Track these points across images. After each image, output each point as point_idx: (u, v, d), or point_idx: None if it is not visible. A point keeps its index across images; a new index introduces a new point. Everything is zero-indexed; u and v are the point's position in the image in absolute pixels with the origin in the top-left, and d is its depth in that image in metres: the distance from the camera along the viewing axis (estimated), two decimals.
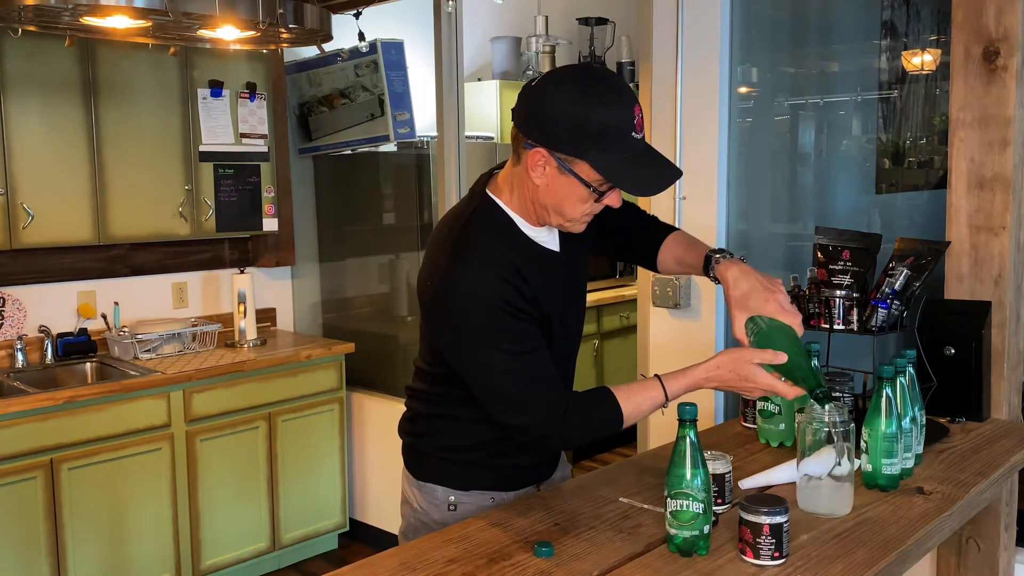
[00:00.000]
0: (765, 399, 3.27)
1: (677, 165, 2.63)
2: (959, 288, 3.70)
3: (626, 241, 3.20)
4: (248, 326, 6.42)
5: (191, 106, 6.15)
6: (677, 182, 4.19)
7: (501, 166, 2.82)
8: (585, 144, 2.47)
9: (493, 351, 2.60)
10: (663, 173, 2.57)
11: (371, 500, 6.83)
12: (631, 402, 2.64)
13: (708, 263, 2.96)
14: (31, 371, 5.75)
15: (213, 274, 6.81)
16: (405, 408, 3.09)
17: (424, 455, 3.04)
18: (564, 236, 2.85)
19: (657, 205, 4.84)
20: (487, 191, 2.79)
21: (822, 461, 2.65)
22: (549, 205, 2.63)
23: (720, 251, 2.97)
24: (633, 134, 2.49)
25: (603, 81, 2.52)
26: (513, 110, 2.62)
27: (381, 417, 6.68)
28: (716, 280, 2.93)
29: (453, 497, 2.98)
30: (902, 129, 4.83)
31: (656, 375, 2.66)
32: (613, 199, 2.61)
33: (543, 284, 2.73)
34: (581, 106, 2.45)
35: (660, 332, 4.95)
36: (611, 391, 2.65)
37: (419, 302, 2.80)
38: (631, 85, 6.58)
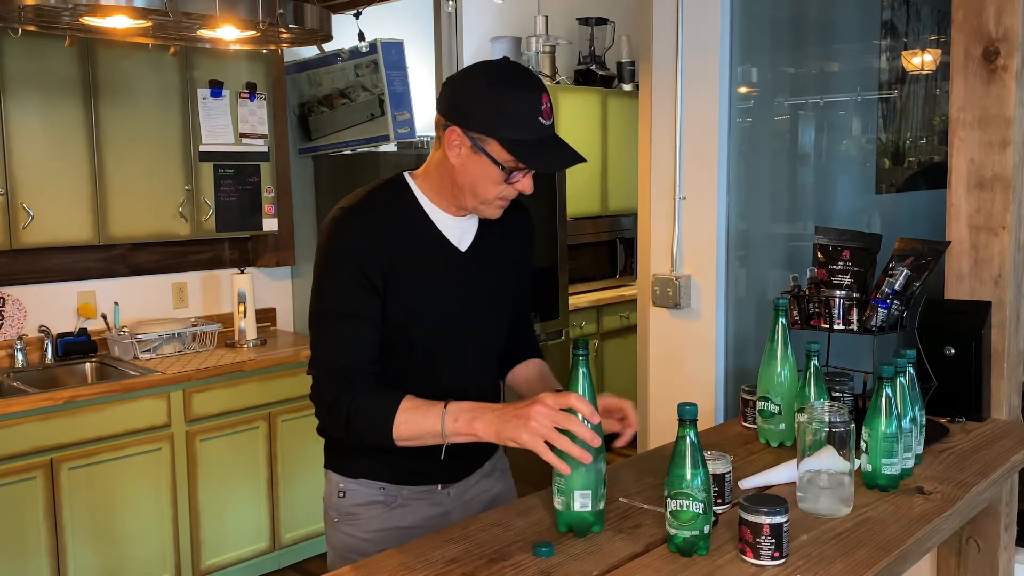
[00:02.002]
0: (765, 399, 3.27)
1: (581, 155, 2.68)
2: (959, 288, 3.70)
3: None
4: (248, 326, 6.42)
5: (191, 106, 6.15)
6: (677, 182, 4.23)
7: None
8: (495, 124, 2.62)
9: (319, 300, 2.77)
10: (565, 156, 2.69)
11: None
12: (409, 421, 2.63)
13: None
14: (31, 371, 5.76)
15: (213, 274, 6.81)
16: None
17: (327, 441, 3.12)
18: (480, 245, 2.94)
19: (657, 205, 4.84)
20: (403, 173, 2.95)
21: (822, 461, 2.65)
22: (465, 185, 2.74)
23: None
24: (540, 119, 2.63)
25: (514, 70, 2.70)
26: (437, 98, 2.80)
27: None
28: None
29: (342, 484, 3.04)
30: (902, 129, 4.84)
31: (446, 403, 2.63)
32: (524, 185, 2.73)
33: (422, 267, 2.81)
34: (492, 90, 2.63)
35: (660, 332, 4.96)
36: (400, 401, 2.66)
37: None
38: (631, 85, 6.59)
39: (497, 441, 2.51)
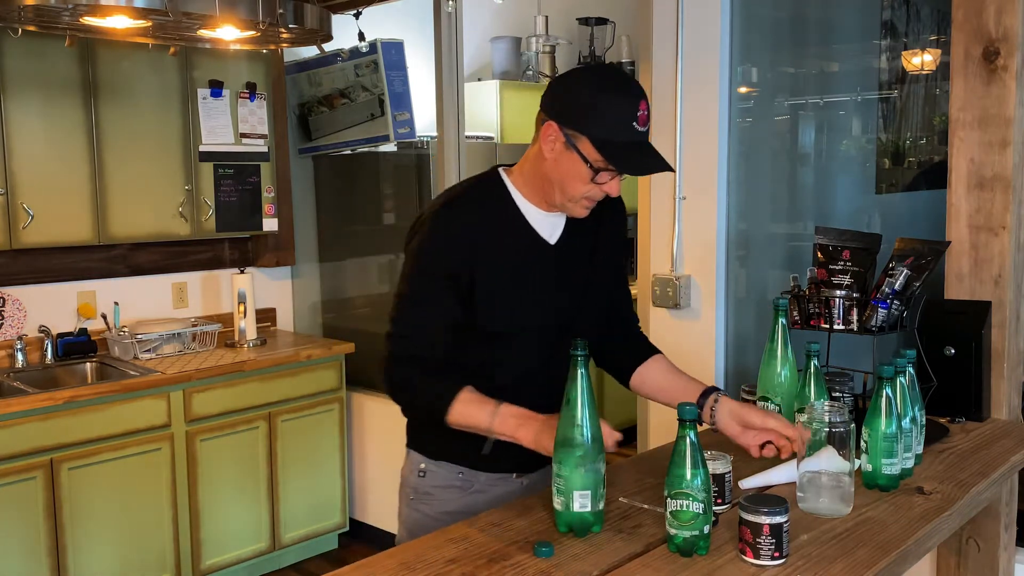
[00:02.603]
0: (764, 399, 3.26)
1: (671, 164, 2.73)
2: (959, 288, 3.70)
3: (606, 337, 3.25)
4: (248, 326, 6.43)
5: (191, 106, 6.15)
6: (677, 182, 4.22)
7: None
8: (589, 122, 2.69)
9: (406, 285, 2.93)
10: (654, 163, 2.75)
11: (371, 500, 6.83)
12: (464, 410, 2.82)
13: (702, 404, 3.09)
14: (31, 371, 5.75)
15: (213, 274, 6.81)
16: None
17: (410, 421, 3.20)
18: (568, 239, 3.00)
19: (657, 205, 4.84)
20: (498, 168, 3.02)
21: (822, 461, 2.65)
22: (555, 180, 2.81)
23: (715, 389, 3.10)
24: (635, 124, 2.69)
25: (617, 75, 2.80)
26: (542, 95, 2.84)
27: (381, 417, 6.68)
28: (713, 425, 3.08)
29: (424, 464, 3.12)
30: (902, 129, 4.83)
31: (498, 403, 2.80)
32: (611, 187, 2.79)
33: (513, 261, 2.91)
34: (592, 90, 2.71)
35: (660, 332, 4.95)
36: (462, 391, 2.83)
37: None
38: None
39: (534, 448, 2.69)
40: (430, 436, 3.11)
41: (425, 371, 2.87)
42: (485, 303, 2.87)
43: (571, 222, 3.00)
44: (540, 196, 2.91)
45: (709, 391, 3.05)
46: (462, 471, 3.07)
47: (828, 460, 2.64)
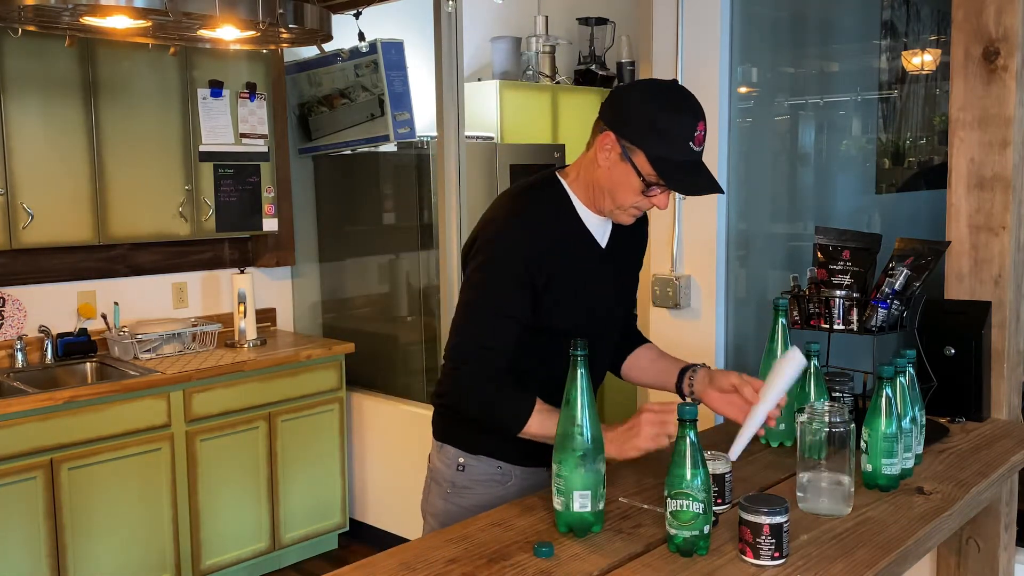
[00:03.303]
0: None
1: (720, 186, 2.80)
2: (959, 288, 3.70)
3: None
4: (248, 326, 6.43)
5: (191, 106, 6.15)
6: None
7: None
8: (647, 138, 2.76)
9: (478, 292, 2.91)
10: (705, 183, 2.81)
11: (371, 500, 6.83)
12: (541, 423, 2.84)
13: (681, 379, 3.23)
14: (31, 371, 5.75)
15: (213, 274, 6.81)
16: None
17: (443, 416, 3.22)
18: (615, 243, 3.10)
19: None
20: (555, 172, 3.07)
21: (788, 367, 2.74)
22: (606, 188, 2.88)
23: (693, 365, 3.23)
24: (691, 144, 2.76)
25: (679, 94, 2.83)
26: (602, 103, 2.91)
27: (381, 417, 6.68)
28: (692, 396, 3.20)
29: (463, 459, 3.15)
30: (902, 129, 4.83)
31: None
32: (660, 200, 2.87)
33: (575, 264, 2.97)
34: (653, 105, 2.78)
35: (660, 332, 4.95)
36: (536, 403, 2.85)
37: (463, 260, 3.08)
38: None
39: (620, 458, 2.78)
40: (467, 430, 3.14)
41: (501, 385, 2.89)
42: (550, 306, 2.92)
43: (615, 227, 3.07)
44: (591, 201, 2.97)
45: (688, 367, 3.18)
46: (500, 465, 3.12)
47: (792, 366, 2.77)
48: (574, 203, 2.99)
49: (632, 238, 3.17)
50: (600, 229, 3.04)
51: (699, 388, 3.12)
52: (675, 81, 2.90)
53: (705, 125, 2.79)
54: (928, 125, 4.82)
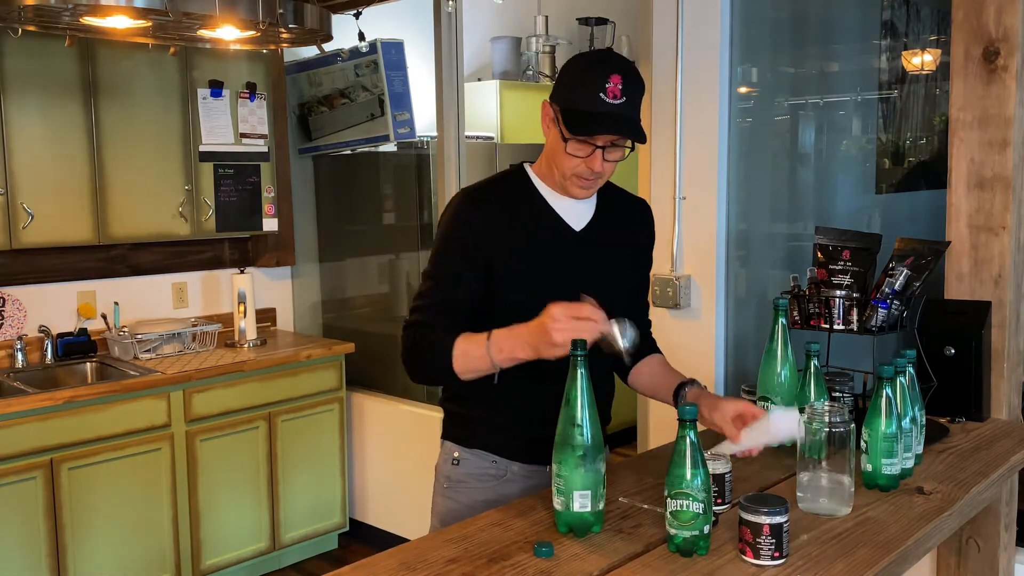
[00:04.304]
0: (764, 399, 3.26)
1: (638, 133, 2.85)
2: (959, 288, 3.70)
3: None
4: (248, 326, 6.42)
5: (191, 106, 6.15)
6: (677, 183, 4.22)
7: None
8: (562, 94, 2.87)
9: (428, 266, 3.02)
10: (608, 126, 2.83)
11: (371, 500, 6.83)
12: (465, 348, 2.83)
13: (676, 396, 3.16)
14: (31, 371, 5.75)
15: (213, 274, 6.81)
16: None
17: (445, 413, 3.25)
18: (596, 227, 3.09)
19: (657, 205, 4.83)
20: (523, 163, 3.13)
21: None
22: (550, 157, 2.96)
23: (691, 381, 3.17)
24: (602, 95, 2.78)
25: (600, 52, 2.93)
26: None
27: (381, 417, 6.68)
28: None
29: (457, 453, 3.17)
30: (902, 129, 4.83)
31: (489, 333, 2.81)
32: (593, 163, 2.87)
33: (538, 244, 3.00)
34: (572, 65, 2.90)
35: (660, 332, 4.91)
36: (458, 338, 2.85)
37: None
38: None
39: (536, 356, 2.70)
40: (463, 424, 3.17)
41: (428, 335, 2.91)
42: (504, 283, 2.94)
43: (601, 213, 3.09)
44: (552, 179, 3.00)
45: (682, 385, 3.13)
46: (496, 459, 3.12)
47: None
48: (537, 186, 3.03)
49: (628, 226, 3.18)
50: (573, 212, 3.05)
51: (706, 414, 3.00)
52: (610, 48, 2.94)
53: (624, 79, 2.80)
54: (928, 125, 4.82)
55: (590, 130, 2.80)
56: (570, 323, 2.59)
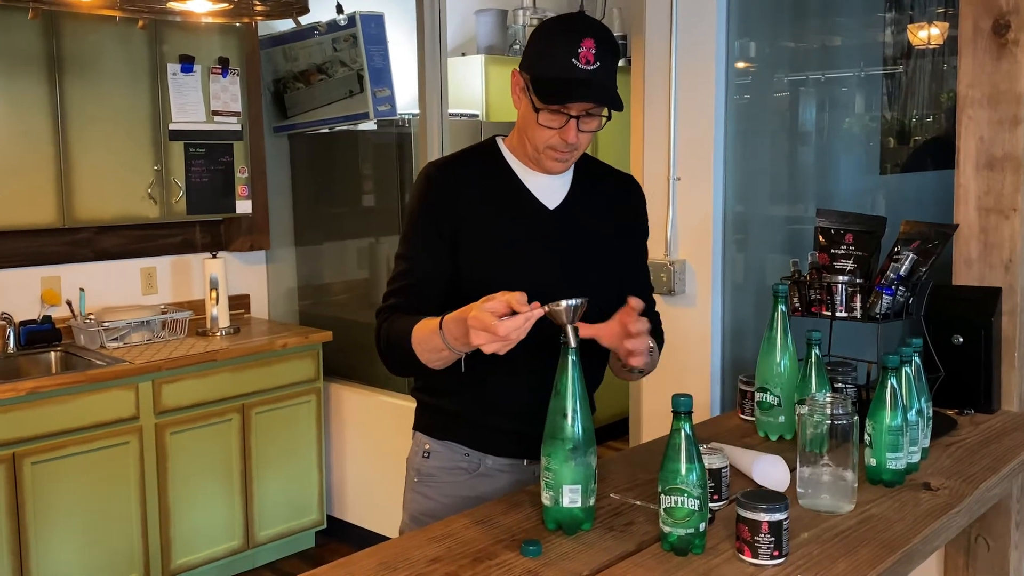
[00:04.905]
0: (763, 389, 3.26)
1: (612, 99, 2.81)
2: (968, 273, 3.69)
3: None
4: (220, 313, 6.41)
5: (160, 82, 6.12)
6: (672, 163, 4.21)
7: None
8: (532, 62, 2.84)
9: (400, 240, 3.07)
10: (581, 94, 2.77)
11: (350, 496, 6.83)
12: (419, 330, 2.78)
13: None
14: None
15: (183, 259, 6.79)
16: None
17: (417, 402, 3.23)
18: (572, 205, 3.04)
19: (650, 187, 4.82)
20: (496, 136, 3.10)
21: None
22: (523, 129, 2.92)
23: None
24: (574, 61, 2.74)
25: (570, 16, 2.91)
26: None
27: (360, 409, 6.67)
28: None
29: (428, 445, 3.14)
30: (907, 106, 4.82)
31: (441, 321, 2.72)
32: (567, 134, 2.82)
33: (506, 220, 2.97)
34: (542, 31, 2.86)
35: None
36: (416, 325, 2.80)
37: None
38: (623, 59, 6.57)
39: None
40: (434, 414, 3.14)
41: (394, 319, 2.91)
42: (470, 259, 2.92)
43: (577, 190, 3.05)
44: (525, 153, 2.96)
45: None
46: (468, 452, 3.08)
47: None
48: (508, 161, 3.00)
49: (611, 205, 3.13)
50: (547, 189, 3.00)
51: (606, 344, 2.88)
52: (582, 10, 2.91)
53: (597, 43, 2.76)
54: (935, 102, 4.81)
55: (563, 98, 2.76)
56: (484, 334, 2.48)
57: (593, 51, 2.75)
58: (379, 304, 3.01)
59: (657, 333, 3.15)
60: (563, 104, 2.77)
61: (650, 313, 3.18)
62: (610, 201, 3.13)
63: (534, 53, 2.83)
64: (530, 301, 2.54)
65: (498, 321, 2.44)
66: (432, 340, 2.72)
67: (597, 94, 2.77)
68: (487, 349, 2.49)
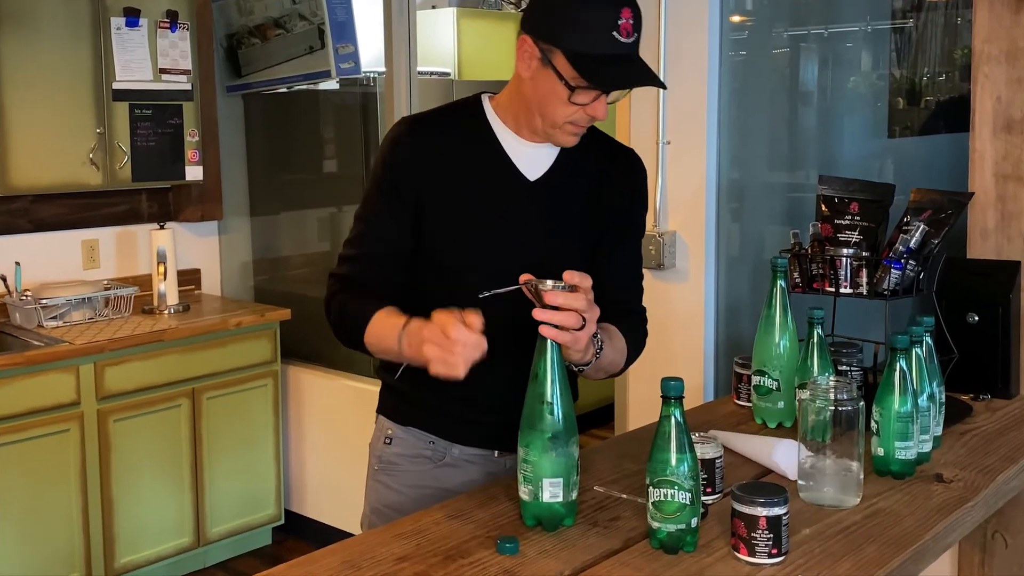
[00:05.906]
0: (761, 372, 3.26)
1: (659, 77, 2.74)
2: (984, 246, 3.70)
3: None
4: (169, 289, 6.38)
5: (103, 38, 6.08)
6: (660, 125, 4.19)
7: None
8: (562, 33, 2.68)
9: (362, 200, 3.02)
10: (636, 76, 2.77)
11: (309, 489, 6.82)
12: (374, 331, 2.80)
13: None
14: None
15: (129, 230, 6.76)
16: None
17: (382, 384, 3.24)
18: (556, 177, 2.97)
19: (638, 151, 4.80)
20: (482, 93, 3.03)
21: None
22: (533, 103, 2.81)
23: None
24: (614, 33, 2.65)
25: None
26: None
27: (321, 394, 6.66)
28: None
29: (391, 430, 3.15)
30: (918, 64, 4.83)
31: (408, 319, 2.71)
32: (597, 109, 2.76)
33: (480, 190, 2.93)
34: None
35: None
36: (377, 312, 2.81)
37: None
38: None
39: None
40: (398, 399, 3.14)
41: (349, 292, 2.92)
42: (432, 231, 2.90)
43: (564, 160, 2.98)
44: (523, 123, 2.90)
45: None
46: (433, 440, 3.07)
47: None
48: (492, 124, 2.94)
49: (604, 183, 3.04)
50: (529, 157, 2.94)
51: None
52: None
53: (633, 13, 2.70)
54: (948, 59, 4.81)
55: (612, 80, 2.73)
56: (439, 352, 2.48)
57: (631, 21, 2.69)
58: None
59: (636, 337, 3.09)
60: (623, 87, 2.78)
61: (633, 314, 3.14)
62: (602, 177, 3.04)
63: (563, 22, 2.69)
64: (492, 287, 2.58)
65: (455, 331, 2.46)
66: (390, 339, 2.72)
67: (650, 74, 2.75)
68: (433, 366, 2.50)
